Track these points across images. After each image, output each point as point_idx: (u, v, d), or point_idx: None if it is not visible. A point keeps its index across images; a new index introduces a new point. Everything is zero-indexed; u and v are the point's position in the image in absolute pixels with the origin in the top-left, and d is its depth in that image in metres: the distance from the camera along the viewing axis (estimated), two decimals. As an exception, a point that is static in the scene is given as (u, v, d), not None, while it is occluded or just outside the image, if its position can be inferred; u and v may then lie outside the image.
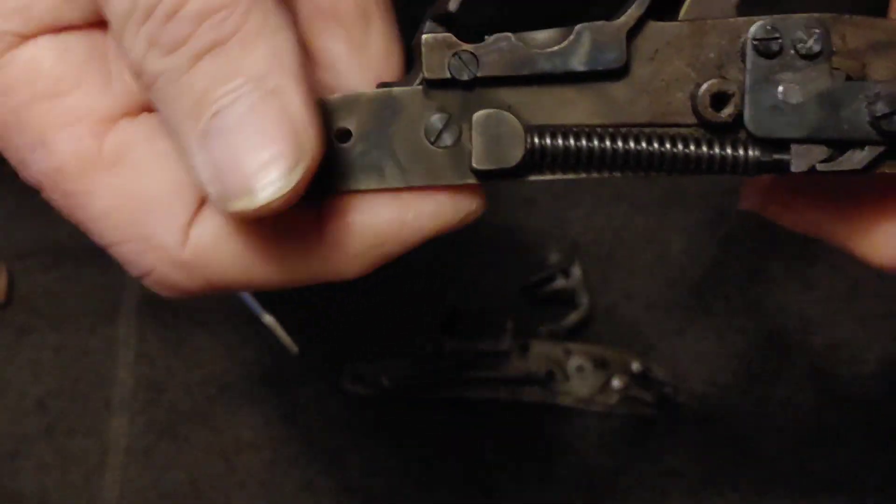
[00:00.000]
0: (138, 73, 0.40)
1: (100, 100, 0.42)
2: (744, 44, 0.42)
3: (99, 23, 0.42)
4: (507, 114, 0.42)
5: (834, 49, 0.42)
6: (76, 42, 0.42)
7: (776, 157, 0.43)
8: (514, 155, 0.42)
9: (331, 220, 0.43)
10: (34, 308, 0.96)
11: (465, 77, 0.42)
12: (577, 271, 0.98)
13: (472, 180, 0.43)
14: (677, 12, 0.43)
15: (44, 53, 0.42)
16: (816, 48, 0.42)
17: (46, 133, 0.42)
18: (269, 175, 0.39)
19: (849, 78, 0.42)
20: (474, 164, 0.42)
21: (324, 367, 0.95)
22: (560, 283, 0.97)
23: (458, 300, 0.97)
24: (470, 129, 0.42)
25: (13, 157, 0.43)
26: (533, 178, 0.43)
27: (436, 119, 0.42)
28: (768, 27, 0.42)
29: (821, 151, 0.43)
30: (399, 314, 0.97)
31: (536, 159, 0.42)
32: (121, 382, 0.95)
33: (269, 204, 0.39)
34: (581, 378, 0.95)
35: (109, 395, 0.95)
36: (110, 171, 0.42)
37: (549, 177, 0.43)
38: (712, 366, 0.98)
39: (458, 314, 0.97)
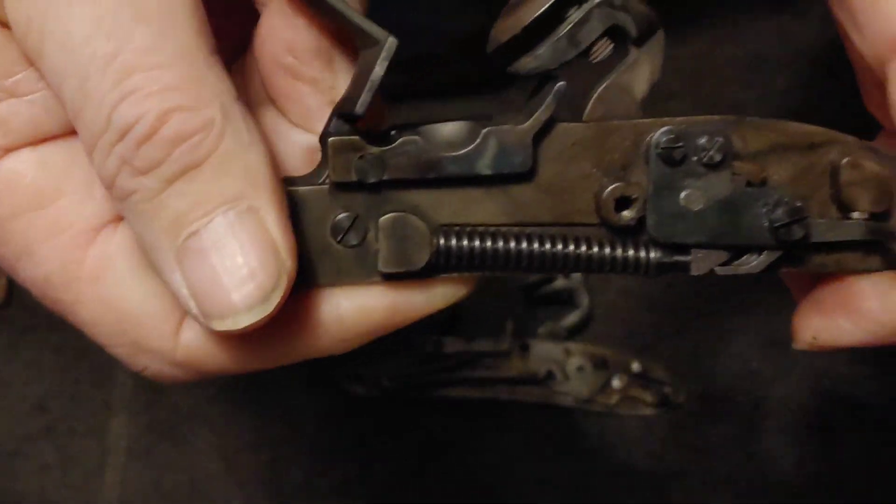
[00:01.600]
0: (109, 187, 0.40)
1: (81, 210, 0.42)
2: (648, 146, 0.43)
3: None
4: (413, 217, 0.42)
5: (736, 151, 0.43)
6: (56, 152, 0.42)
7: (677, 258, 0.43)
8: (420, 258, 0.42)
9: (308, 309, 0.44)
10: (34, 308, 0.96)
11: (372, 180, 0.42)
12: (577, 271, 0.98)
13: (378, 279, 0.43)
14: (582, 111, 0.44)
15: (24, 166, 0.42)
16: (718, 157, 0.42)
17: (31, 245, 0.42)
18: (252, 297, 0.39)
19: (749, 184, 0.43)
20: (381, 268, 0.42)
21: (324, 367, 0.96)
22: (560, 283, 0.98)
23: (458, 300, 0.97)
24: (377, 228, 0.42)
25: (2, 265, 0.43)
26: (441, 275, 0.44)
27: (342, 218, 0.42)
28: (672, 136, 0.42)
29: (720, 255, 0.43)
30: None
31: (442, 260, 0.43)
32: (121, 382, 0.95)
33: (251, 326, 0.40)
34: (581, 378, 0.95)
35: (109, 395, 0.95)
36: (95, 283, 0.42)
37: (456, 274, 0.44)
38: (712, 366, 0.98)
39: (458, 314, 0.97)
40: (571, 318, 0.97)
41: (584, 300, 0.98)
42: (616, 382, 0.95)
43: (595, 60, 0.43)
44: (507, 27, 0.42)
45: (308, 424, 0.95)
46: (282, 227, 0.40)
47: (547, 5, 0.42)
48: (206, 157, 0.39)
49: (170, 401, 0.95)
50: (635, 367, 0.95)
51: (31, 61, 0.40)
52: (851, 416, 0.96)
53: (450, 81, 0.98)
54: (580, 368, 0.95)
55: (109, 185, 0.40)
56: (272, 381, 0.96)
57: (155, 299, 0.42)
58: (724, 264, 0.44)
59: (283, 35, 0.43)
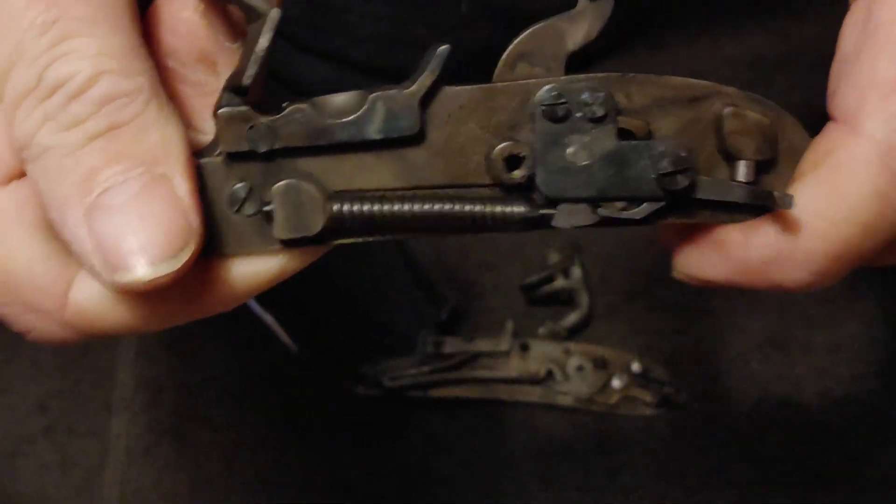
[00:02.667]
0: (24, 145, 0.41)
1: None
2: (533, 105, 0.44)
3: None
4: (305, 183, 0.43)
5: (620, 107, 0.44)
6: None
7: (542, 212, 0.44)
8: (315, 223, 0.43)
9: (199, 273, 0.45)
10: (34, 308, 0.96)
11: (263, 149, 0.43)
12: (577, 271, 0.98)
13: (277, 247, 0.44)
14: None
15: None
16: (600, 112, 0.43)
17: None
18: (159, 255, 0.41)
19: (635, 137, 0.44)
20: (276, 234, 0.43)
21: (324, 367, 0.96)
22: (560, 283, 0.97)
23: (458, 300, 0.98)
24: (271, 198, 0.43)
25: None
26: (338, 241, 0.44)
27: (238, 188, 0.44)
28: (554, 93, 0.43)
29: (587, 214, 0.44)
30: (399, 314, 0.97)
31: (338, 226, 0.44)
32: (121, 382, 0.95)
33: (153, 281, 0.41)
34: (581, 378, 0.95)
35: (109, 395, 0.95)
36: None
37: (353, 240, 0.44)
38: (712, 366, 0.98)
39: (458, 314, 0.97)
40: (571, 318, 0.97)
41: (584, 300, 0.98)
42: (616, 382, 0.95)
43: None
44: None
45: (308, 424, 0.95)
46: (192, 199, 0.42)
47: None
48: (130, 120, 0.41)
49: (170, 401, 0.95)
50: (635, 367, 0.95)
51: None
52: (851, 416, 0.96)
53: None
54: (580, 368, 0.95)
55: (26, 144, 0.41)
56: (273, 381, 0.96)
57: (45, 260, 0.43)
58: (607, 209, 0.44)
59: (163, 40, 0.44)
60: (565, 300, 0.98)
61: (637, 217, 0.44)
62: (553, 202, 0.44)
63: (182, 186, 0.41)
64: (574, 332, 0.98)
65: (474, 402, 0.96)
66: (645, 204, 0.44)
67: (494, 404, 0.96)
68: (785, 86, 0.99)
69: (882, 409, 0.96)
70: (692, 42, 1.03)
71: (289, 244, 0.44)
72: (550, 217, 0.44)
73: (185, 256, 0.41)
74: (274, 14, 0.42)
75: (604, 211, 0.44)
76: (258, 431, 0.95)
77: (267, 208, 0.43)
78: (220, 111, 0.43)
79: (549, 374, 0.95)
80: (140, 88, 0.41)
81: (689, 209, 0.46)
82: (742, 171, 0.45)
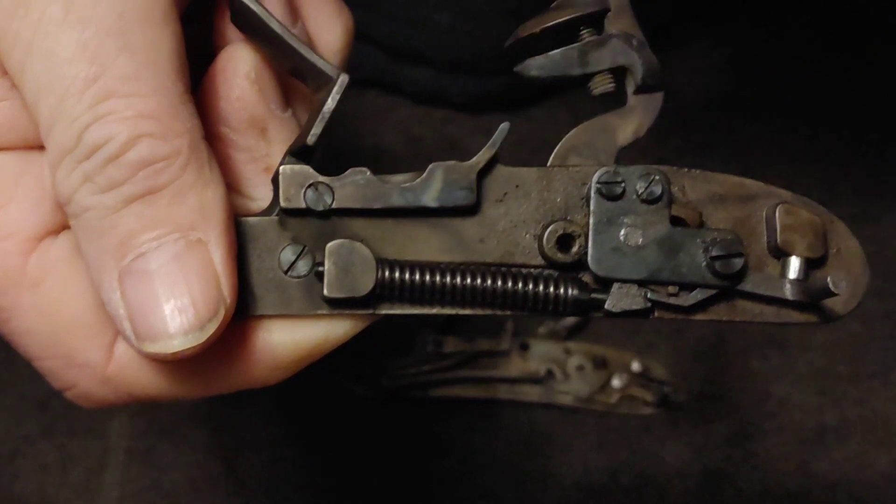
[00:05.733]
0: (66, 202, 0.41)
1: (29, 217, 0.43)
2: (589, 189, 0.44)
3: (37, 145, 0.42)
4: (359, 244, 0.43)
5: (674, 198, 0.44)
6: (11, 161, 0.43)
7: (594, 296, 0.44)
8: (365, 284, 0.43)
9: (241, 339, 0.44)
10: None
11: (320, 207, 0.43)
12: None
13: (324, 310, 0.44)
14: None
15: None
16: (657, 191, 0.43)
17: None
18: (185, 325, 0.40)
19: (686, 225, 0.44)
20: (325, 292, 0.43)
21: (324, 366, 0.95)
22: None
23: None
24: (323, 259, 0.43)
25: None
26: (383, 311, 0.44)
27: (290, 249, 0.43)
28: (612, 171, 0.44)
29: (636, 298, 0.44)
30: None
31: (386, 291, 0.43)
32: (121, 382, 0.95)
33: (182, 352, 0.40)
34: (581, 377, 0.95)
35: (109, 395, 0.95)
36: (33, 290, 0.43)
37: (398, 310, 0.44)
38: (712, 365, 0.98)
39: (458, 314, 0.97)
40: (571, 318, 0.97)
41: (584, 300, 0.98)
42: (616, 382, 0.95)
43: (593, 91, 0.44)
44: (529, 26, 0.44)
45: (308, 424, 0.95)
46: (227, 266, 0.41)
47: (572, 16, 0.44)
48: (167, 185, 0.40)
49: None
50: (635, 366, 0.95)
51: (4, 72, 0.41)
52: (851, 416, 0.96)
53: (476, 93, 0.97)
54: (580, 368, 0.95)
55: (67, 201, 0.41)
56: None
57: (92, 310, 0.43)
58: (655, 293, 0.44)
59: (216, 106, 0.44)
60: (565, 300, 0.98)
61: (686, 305, 0.44)
62: (603, 283, 0.44)
63: (218, 252, 0.41)
64: (574, 332, 0.98)
65: (474, 402, 0.96)
66: (696, 290, 0.44)
67: (494, 404, 0.96)
68: (783, 84, 0.99)
69: (882, 409, 0.96)
70: (692, 42, 1.03)
71: (336, 305, 0.43)
72: (602, 301, 0.44)
73: (213, 328, 0.40)
74: (343, 79, 0.42)
75: (653, 295, 0.44)
76: (258, 431, 0.95)
77: (320, 268, 0.43)
78: (281, 167, 0.42)
79: (549, 373, 0.95)
80: (178, 151, 0.40)
81: (736, 305, 0.45)
82: (793, 266, 0.44)
